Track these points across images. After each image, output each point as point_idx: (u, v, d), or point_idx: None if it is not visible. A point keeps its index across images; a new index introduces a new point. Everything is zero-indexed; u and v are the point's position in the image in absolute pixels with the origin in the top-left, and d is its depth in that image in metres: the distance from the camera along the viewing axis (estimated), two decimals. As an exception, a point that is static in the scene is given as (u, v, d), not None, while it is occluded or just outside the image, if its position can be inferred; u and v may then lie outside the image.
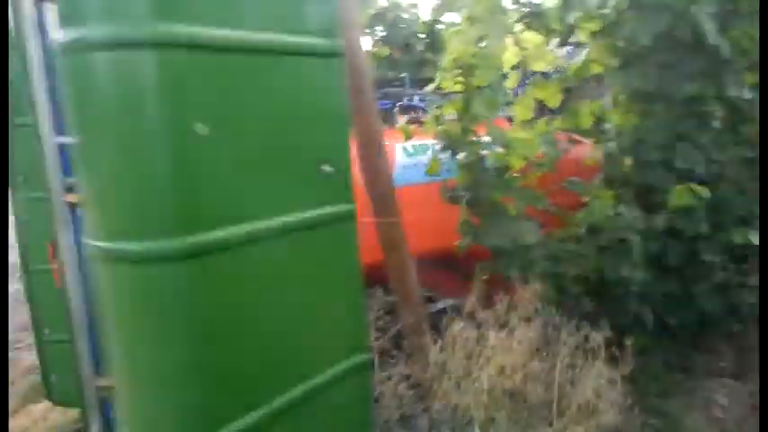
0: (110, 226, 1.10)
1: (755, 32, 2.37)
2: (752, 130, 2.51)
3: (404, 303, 2.08)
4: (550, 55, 2.44)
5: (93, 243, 1.11)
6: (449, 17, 3.06)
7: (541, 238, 2.15)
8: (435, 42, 3.27)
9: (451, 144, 2.19)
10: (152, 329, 1.12)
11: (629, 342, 1.90)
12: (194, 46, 1.07)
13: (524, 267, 2.04)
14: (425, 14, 3.64)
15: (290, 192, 1.24)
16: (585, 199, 2.41)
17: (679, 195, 2.29)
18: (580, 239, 2.32)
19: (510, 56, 2.41)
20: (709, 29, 2.24)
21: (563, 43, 2.61)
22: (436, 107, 2.32)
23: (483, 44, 2.15)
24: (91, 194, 1.10)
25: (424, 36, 3.52)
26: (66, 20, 1.05)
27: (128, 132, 1.05)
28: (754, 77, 2.46)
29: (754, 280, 2.51)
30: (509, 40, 2.39)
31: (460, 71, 2.15)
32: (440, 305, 2.26)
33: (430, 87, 2.29)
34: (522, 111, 2.52)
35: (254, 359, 1.19)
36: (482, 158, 2.18)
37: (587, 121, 2.55)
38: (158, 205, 1.07)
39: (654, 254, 2.35)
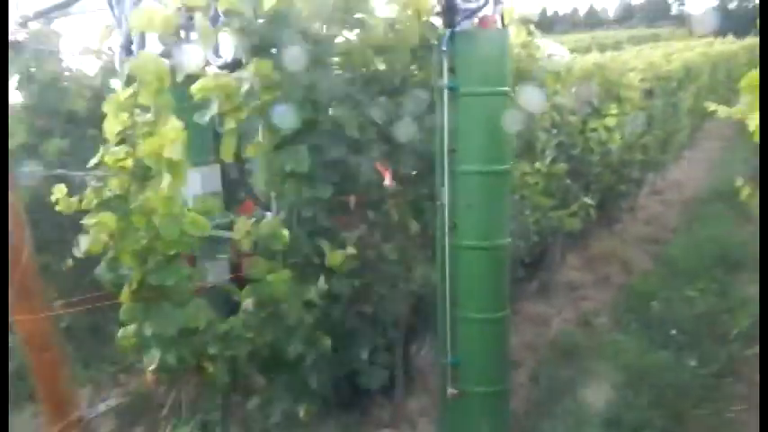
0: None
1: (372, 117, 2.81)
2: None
3: (53, 415, 1.80)
4: None
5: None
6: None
7: (213, 318, 2.11)
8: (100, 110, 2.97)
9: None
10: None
11: (303, 413, 1.98)
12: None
13: (195, 353, 1.98)
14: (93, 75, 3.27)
15: None
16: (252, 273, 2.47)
17: (333, 259, 2.50)
18: (252, 314, 2.34)
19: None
20: (348, 124, 2.55)
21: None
22: (98, 183, 2.13)
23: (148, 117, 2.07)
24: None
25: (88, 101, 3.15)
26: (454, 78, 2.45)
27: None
28: (380, 152, 2.86)
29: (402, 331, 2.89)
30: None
31: (126, 146, 2.02)
32: (101, 407, 2.02)
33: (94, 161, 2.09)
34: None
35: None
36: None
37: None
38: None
39: (321, 320, 2.51)
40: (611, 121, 5.61)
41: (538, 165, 4.31)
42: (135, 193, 1.96)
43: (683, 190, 9.02)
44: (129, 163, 2.01)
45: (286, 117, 2.47)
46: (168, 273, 1.97)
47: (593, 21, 66.14)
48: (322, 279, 2.44)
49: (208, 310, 2.09)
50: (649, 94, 7.36)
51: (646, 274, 5.68)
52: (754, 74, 2.04)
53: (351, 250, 2.47)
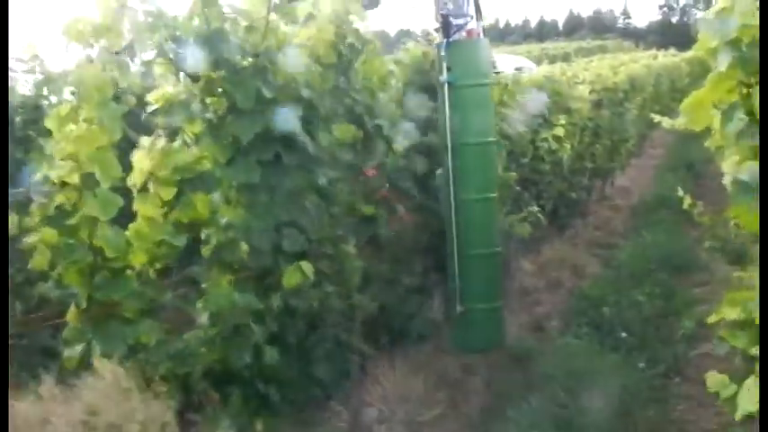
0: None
1: (336, 131, 2.84)
2: (340, 211, 2.94)
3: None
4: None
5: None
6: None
7: (163, 336, 2.07)
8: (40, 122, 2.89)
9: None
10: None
11: (260, 426, 1.96)
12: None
13: (145, 372, 1.93)
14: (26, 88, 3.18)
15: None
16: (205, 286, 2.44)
17: (290, 276, 2.50)
18: (204, 330, 2.31)
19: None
20: (297, 131, 2.56)
21: None
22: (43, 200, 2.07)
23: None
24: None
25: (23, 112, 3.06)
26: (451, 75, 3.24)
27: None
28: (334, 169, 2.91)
29: (357, 340, 2.90)
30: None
31: (73, 163, 1.98)
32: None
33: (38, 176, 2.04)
34: (147, 207, 2.44)
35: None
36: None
37: (204, 213, 2.61)
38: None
39: (275, 333, 2.49)
40: (560, 131, 5.75)
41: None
42: (78, 207, 1.91)
43: (631, 196, 9.27)
44: (75, 178, 1.96)
45: (238, 128, 2.46)
46: (115, 288, 1.93)
47: (543, 32, 67.70)
48: (278, 295, 2.43)
49: (159, 327, 2.05)
50: (598, 104, 7.58)
51: (596, 279, 5.81)
52: (696, 96, 2.12)
53: (308, 267, 2.46)
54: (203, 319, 2.30)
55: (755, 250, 2.48)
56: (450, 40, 3.51)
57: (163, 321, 2.18)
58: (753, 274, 2.33)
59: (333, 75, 2.90)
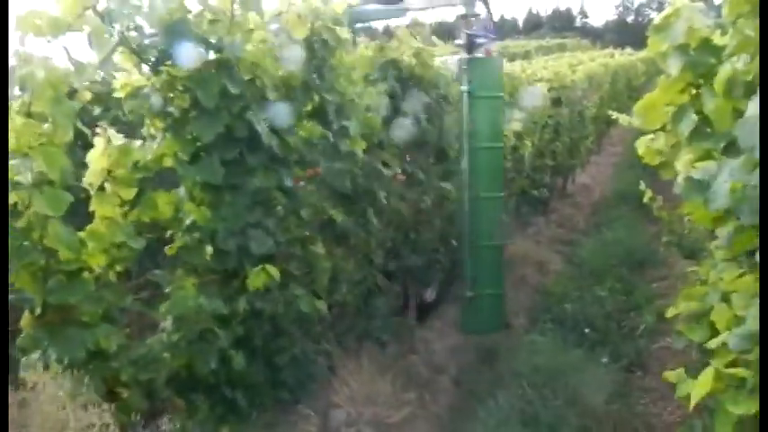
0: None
1: (300, 132, 2.79)
2: (309, 213, 2.90)
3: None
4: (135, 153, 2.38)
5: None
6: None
7: (125, 342, 2.00)
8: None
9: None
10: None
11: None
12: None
13: (106, 379, 1.86)
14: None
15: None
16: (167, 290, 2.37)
17: (256, 278, 2.45)
18: (168, 334, 2.25)
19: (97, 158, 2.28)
20: (263, 130, 2.51)
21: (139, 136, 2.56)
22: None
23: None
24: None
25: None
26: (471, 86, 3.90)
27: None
28: (302, 172, 2.87)
29: (324, 341, 2.87)
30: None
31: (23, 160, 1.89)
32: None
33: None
34: (104, 207, 2.36)
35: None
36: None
37: (167, 212, 2.54)
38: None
39: (241, 337, 2.44)
40: (517, 126, 5.80)
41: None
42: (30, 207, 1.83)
43: (592, 193, 9.45)
44: (29, 177, 1.88)
45: (199, 127, 2.40)
46: (70, 291, 1.85)
47: (504, 30, 68.52)
48: (244, 298, 2.38)
49: (120, 332, 1.98)
50: (557, 102, 7.69)
51: (559, 275, 5.89)
52: (649, 97, 2.17)
53: (274, 270, 2.42)
54: (167, 323, 2.24)
55: (709, 245, 2.55)
56: (473, 56, 4.25)
57: (124, 326, 2.10)
58: (707, 269, 2.39)
59: (303, 72, 2.85)
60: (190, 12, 2.38)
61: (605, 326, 4.61)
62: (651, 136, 2.77)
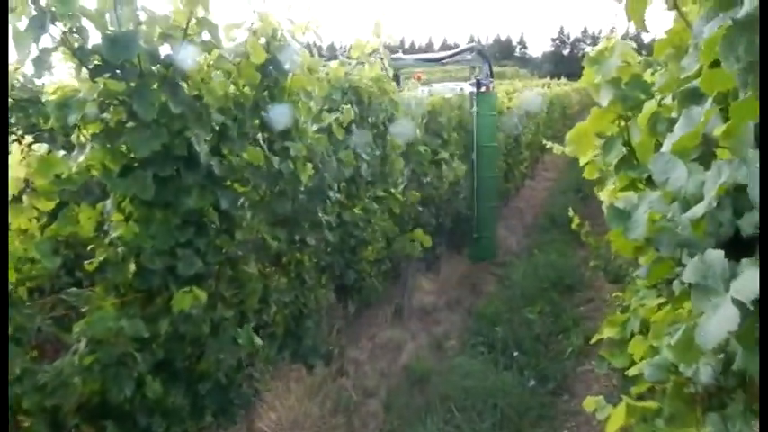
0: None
1: (243, 153, 2.72)
2: (243, 234, 2.82)
3: None
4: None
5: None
6: None
7: (30, 365, 1.86)
8: None
9: None
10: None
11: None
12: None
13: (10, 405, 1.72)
14: None
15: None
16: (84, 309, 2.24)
17: (180, 301, 2.34)
18: (81, 357, 2.11)
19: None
20: (202, 150, 2.43)
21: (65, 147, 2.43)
22: None
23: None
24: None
25: None
26: (479, 109, 6.94)
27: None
28: (241, 189, 2.79)
29: (254, 371, 2.77)
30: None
31: None
32: None
33: None
34: (20, 220, 2.21)
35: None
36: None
37: (88, 228, 2.40)
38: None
39: (161, 361, 2.32)
40: (454, 149, 5.90)
41: (393, 190, 4.40)
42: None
43: (525, 217, 9.68)
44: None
45: (135, 141, 2.30)
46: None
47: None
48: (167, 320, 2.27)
49: (24, 354, 1.84)
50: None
51: (492, 297, 5.97)
52: (580, 127, 2.22)
53: (200, 293, 2.33)
54: (80, 345, 2.10)
55: (632, 272, 2.61)
56: (479, 91, 6.90)
57: (31, 348, 1.96)
58: (630, 295, 2.45)
59: (254, 92, 2.78)
60: (141, 23, 2.29)
61: (534, 348, 4.68)
62: (597, 151, 2.82)
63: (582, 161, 2.82)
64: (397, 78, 7.70)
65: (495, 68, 8.66)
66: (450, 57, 7.52)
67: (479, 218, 7.01)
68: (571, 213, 3.99)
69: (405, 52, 8.01)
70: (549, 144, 5.57)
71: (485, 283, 6.38)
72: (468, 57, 7.42)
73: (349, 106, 3.56)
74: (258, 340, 2.68)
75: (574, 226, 3.96)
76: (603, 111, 2.14)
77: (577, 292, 6.14)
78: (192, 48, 2.44)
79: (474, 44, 7.81)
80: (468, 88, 7.35)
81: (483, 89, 6.89)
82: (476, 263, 7.01)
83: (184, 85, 2.43)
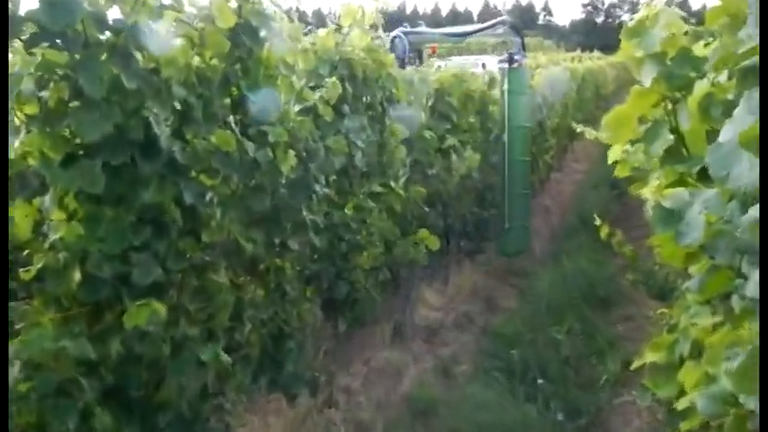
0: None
1: (211, 137, 2.71)
2: (212, 235, 2.81)
3: None
4: None
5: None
6: None
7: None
8: None
9: None
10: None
11: None
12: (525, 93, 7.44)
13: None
14: None
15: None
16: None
17: (134, 316, 2.33)
18: (16, 383, 2.10)
19: None
20: (162, 133, 2.42)
21: None
22: None
23: None
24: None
25: None
26: (509, 87, 7.27)
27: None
28: (209, 181, 2.77)
29: (224, 401, 2.77)
30: None
31: None
32: None
33: None
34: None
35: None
36: None
37: (24, 228, 2.39)
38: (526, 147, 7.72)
39: (112, 388, 2.32)
40: (468, 137, 5.90)
41: (393, 185, 4.39)
42: None
43: (551, 217, 9.69)
44: None
45: (81, 123, 2.28)
46: None
47: (456, 23, 69.94)
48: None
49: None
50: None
51: (511, 313, 5.97)
52: (618, 110, 2.21)
53: (159, 306, 2.32)
54: (14, 370, 2.09)
55: (681, 284, 2.60)
56: (512, 67, 7.23)
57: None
58: (678, 312, 2.45)
59: (224, 65, 2.77)
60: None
61: (561, 375, 4.68)
62: (627, 146, 2.81)
63: (611, 157, 2.83)
64: (419, 54, 8.61)
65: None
66: (479, 31, 8.23)
67: (510, 206, 7.36)
68: (598, 221, 4.00)
69: (408, 21, 8.42)
70: (579, 128, 5.56)
71: (502, 296, 6.39)
72: (500, 30, 8.15)
73: (335, 79, 3.54)
74: (228, 361, 2.67)
75: (604, 236, 3.96)
76: (646, 91, 2.13)
77: (614, 308, 6.15)
78: (147, 10, 2.44)
79: (504, 17, 8.40)
80: (490, 62, 7.96)
81: (515, 65, 7.33)
82: (510, 257, 7.48)
83: (139, 55, 2.43)
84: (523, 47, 7.86)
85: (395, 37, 7.85)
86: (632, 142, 2.66)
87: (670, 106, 2.14)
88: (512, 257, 7.42)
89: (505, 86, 7.27)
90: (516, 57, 7.43)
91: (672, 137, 2.13)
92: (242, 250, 2.98)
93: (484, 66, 8.29)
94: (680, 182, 2.10)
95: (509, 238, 7.41)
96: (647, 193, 2.56)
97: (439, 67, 7.09)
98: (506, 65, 7.38)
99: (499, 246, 7.53)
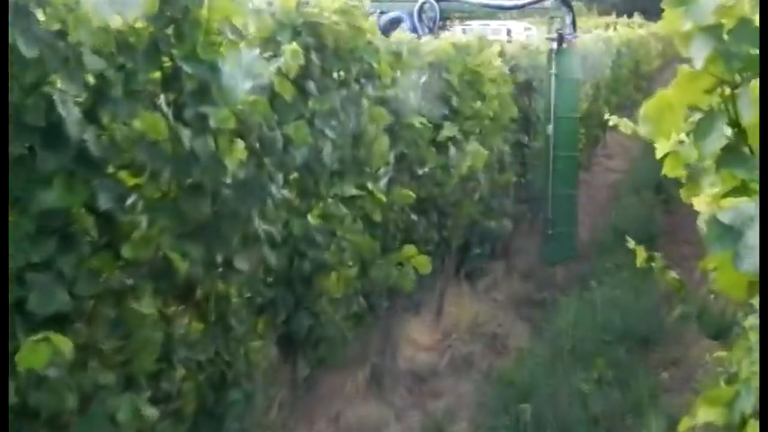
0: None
1: (135, 122, 2.72)
2: (135, 250, 2.81)
3: None
4: None
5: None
6: None
7: None
8: None
9: None
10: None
11: None
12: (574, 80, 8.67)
13: None
14: None
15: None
16: None
17: (30, 356, 2.34)
18: None
19: None
20: (70, 116, 2.42)
21: None
22: None
23: None
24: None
25: None
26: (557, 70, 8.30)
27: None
28: (132, 180, 2.78)
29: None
30: None
31: None
32: None
33: None
34: None
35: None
36: None
37: None
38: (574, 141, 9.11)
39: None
40: (472, 126, 5.92)
41: (372, 186, 4.41)
42: None
43: (577, 231, 9.74)
44: None
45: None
46: None
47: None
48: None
49: None
50: (526, 89, 7.93)
51: (522, 355, 5.99)
52: (662, 97, 2.23)
53: (64, 342, 2.32)
54: None
55: (742, 320, 2.64)
56: (561, 47, 8.16)
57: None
58: (738, 356, 2.47)
59: (152, 28, 2.78)
60: None
61: (589, 440, 4.70)
62: (682, 136, 2.82)
63: (660, 150, 2.85)
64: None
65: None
66: (526, 6, 9.50)
67: (555, 208, 8.43)
68: (632, 244, 4.04)
69: None
70: (613, 119, 5.58)
71: (512, 333, 6.42)
72: (547, 3, 9.12)
73: (295, 46, 3.54)
74: (153, 416, 2.67)
75: (640, 263, 4.00)
76: (697, 73, 2.15)
77: (656, 350, 6.20)
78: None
79: None
80: (516, 28, 8.90)
81: (565, 45, 8.24)
82: (551, 265, 8.29)
83: (40, 13, 2.43)
84: (574, 25, 8.67)
85: (424, 2, 8.83)
86: (687, 133, 2.69)
87: (728, 92, 2.16)
88: (554, 266, 8.19)
89: (553, 70, 8.17)
90: (567, 35, 8.22)
91: (730, 131, 2.16)
92: (174, 271, 2.98)
93: (509, 32, 9.29)
94: (741, 189, 2.12)
95: (552, 244, 8.43)
96: (700, 203, 2.59)
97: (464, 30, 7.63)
98: (554, 44, 8.17)
99: (541, 253, 8.49)
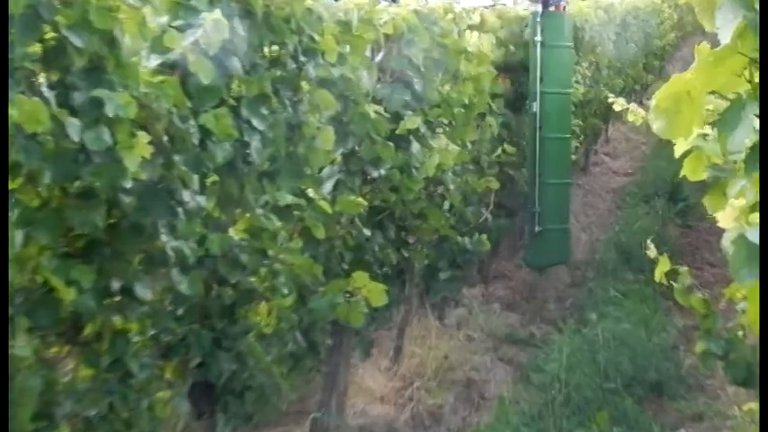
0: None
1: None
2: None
3: None
4: None
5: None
6: None
7: None
8: None
9: None
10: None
11: None
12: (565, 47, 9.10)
13: None
14: None
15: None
16: None
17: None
18: None
19: None
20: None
21: None
22: None
23: None
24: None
25: None
26: (543, 37, 8.58)
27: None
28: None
29: None
30: None
31: None
32: None
33: None
34: None
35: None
36: None
37: None
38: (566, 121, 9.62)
39: None
40: (444, 113, 5.93)
41: (313, 192, 4.41)
42: None
43: (572, 246, 9.80)
44: None
45: None
46: None
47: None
48: None
49: None
50: (510, 70, 7.99)
51: (503, 407, 6.01)
52: (677, 81, 2.24)
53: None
54: None
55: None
56: (546, 10, 8.33)
57: None
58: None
59: None
60: None
61: None
62: (706, 129, 2.82)
63: (678, 148, 2.87)
64: None
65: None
66: None
67: (543, 202, 8.54)
68: (652, 251, 4.01)
69: None
70: (619, 104, 5.60)
71: (491, 378, 6.45)
72: None
73: (218, 15, 3.53)
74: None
75: (659, 276, 3.97)
76: (721, 52, 2.17)
77: (674, 399, 6.25)
78: None
79: None
80: None
81: (552, 8, 8.49)
82: (541, 271, 8.69)
83: None
84: None
85: None
86: (711, 124, 2.68)
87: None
88: (542, 270, 8.61)
89: (537, 37, 8.35)
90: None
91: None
92: (56, 301, 2.96)
93: None
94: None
95: (539, 245, 8.61)
96: (725, 218, 2.61)
97: None
98: (539, 6, 8.41)
99: (526, 255, 8.83)
